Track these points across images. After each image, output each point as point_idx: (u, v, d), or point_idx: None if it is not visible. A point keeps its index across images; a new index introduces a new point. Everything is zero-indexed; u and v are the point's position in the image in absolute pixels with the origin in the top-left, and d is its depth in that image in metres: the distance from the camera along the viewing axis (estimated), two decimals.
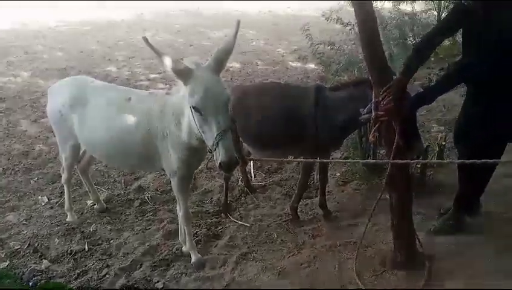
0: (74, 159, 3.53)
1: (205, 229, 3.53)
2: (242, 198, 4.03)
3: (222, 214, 3.75)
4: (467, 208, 3.06)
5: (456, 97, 4.64)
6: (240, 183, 4.17)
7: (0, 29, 10.41)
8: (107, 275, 3.07)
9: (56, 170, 4.44)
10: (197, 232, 3.47)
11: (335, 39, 5.02)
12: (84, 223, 3.69)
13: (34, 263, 3.21)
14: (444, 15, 6.60)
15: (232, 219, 3.68)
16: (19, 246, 3.38)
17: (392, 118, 2.46)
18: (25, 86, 6.97)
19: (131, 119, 2.89)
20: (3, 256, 3.28)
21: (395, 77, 2.55)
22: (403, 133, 2.48)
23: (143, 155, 2.96)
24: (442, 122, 4.95)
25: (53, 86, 3.47)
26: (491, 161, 2.30)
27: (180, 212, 3.09)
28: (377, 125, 2.53)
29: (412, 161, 2.83)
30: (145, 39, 2.24)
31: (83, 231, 3.56)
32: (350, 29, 4.62)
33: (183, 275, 3.04)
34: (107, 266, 3.16)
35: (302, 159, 3.51)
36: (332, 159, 4.08)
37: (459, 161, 2.88)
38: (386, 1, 6.79)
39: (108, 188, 4.25)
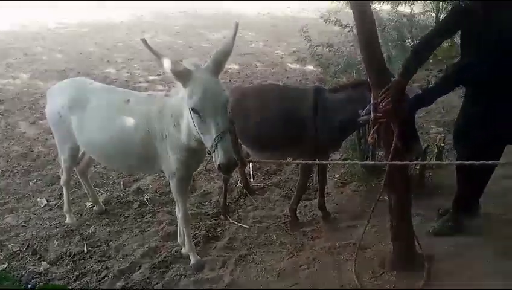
0: (73, 161, 3.53)
1: (204, 231, 3.52)
2: (241, 200, 4.03)
3: (221, 216, 3.75)
4: (465, 210, 3.06)
5: (454, 99, 4.64)
6: (238, 185, 4.17)
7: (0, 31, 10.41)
8: (106, 277, 3.07)
9: (55, 171, 4.44)
10: (196, 234, 3.47)
11: (333, 41, 5.04)
12: (83, 225, 3.69)
13: (33, 265, 3.21)
14: (442, 17, 6.63)
15: (231, 220, 3.68)
16: (18, 248, 3.38)
17: (390, 119, 2.46)
18: (24, 88, 6.96)
19: (130, 120, 2.89)
20: (2, 258, 3.28)
21: (393, 79, 2.56)
22: (401, 135, 2.48)
23: (142, 156, 2.96)
24: (441, 124, 4.96)
25: (52, 88, 3.46)
26: (489, 162, 2.30)
27: (179, 214, 3.09)
28: (375, 126, 2.53)
29: (411, 163, 2.83)
30: (144, 41, 2.25)
31: (81, 233, 3.55)
32: (348, 31, 4.63)
33: (182, 277, 3.04)
34: (106, 268, 3.16)
35: (301, 161, 3.51)
36: (331, 160, 4.08)
37: (458, 162, 2.88)
38: (385, 0, 6.82)
39: (107, 189, 4.25)
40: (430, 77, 6.09)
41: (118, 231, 3.59)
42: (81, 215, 3.86)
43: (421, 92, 2.70)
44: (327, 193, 3.84)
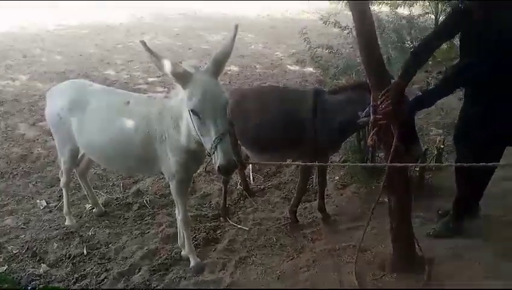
0: (73, 163, 3.53)
1: (204, 233, 3.52)
2: (241, 202, 4.03)
3: (221, 218, 3.74)
4: (465, 212, 3.06)
5: (454, 100, 4.64)
6: (238, 186, 4.17)
7: None
8: (105, 280, 3.06)
9: (55, 173, 4.43)
10: (196, 236, 3.46)
11: (333, 43, 5.04)
12: (82, 227, 3.68)
13: (33, 267, 3.20)
14: (441, 18, 6.63)
15: (231, 222, 3.68)
16: (17, 250, 3.37)
17: (390, 121, 2.46)
18: (23, 90, 6.95)
19: (130, 122, 2.89)
20: (1, 260, 3.27)
21: (393, 81, 2.56)
22: (401, 137, 2.48)
23: (142, 158, 2.95)
24: (441, 126, 4.96)
25: (52, 90, 3.46)
26: (489, 164, 2.30)
27: (178, 216, 3.08)
28: (375, 128, 2.53)
29: (411, 164, 2.83)
30: (143, 43, 2.25)
31: (81, 235, 3.55)
32: (348, 33, 4.63)
33: (182, 279, 3.04)
34: (106, 270, 3.16)
35: (300, 163, 3.51)
36: (331, 162, 4.08)
37: (458, 164, 2.89)
38: (384, 0, 6.82)
39: (106, 191, 4.24)
40: (430, 78, 6.09)
41: (118, 233, 3.59)
42: (80, 217, 3.85)
43: (420, 93, 2.71)
44: (327, 195, 3.84)
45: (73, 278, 3.08)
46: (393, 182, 2.61)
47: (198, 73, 2.30)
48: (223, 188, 3.80)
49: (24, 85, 7.19)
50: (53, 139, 3.60)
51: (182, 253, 3.24)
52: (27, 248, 3.38)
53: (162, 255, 3.28)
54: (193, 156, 2.75)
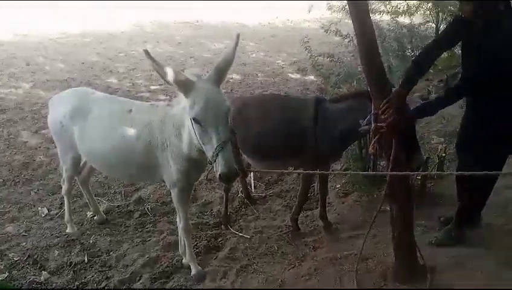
0: (75, 171, 3.54)
1: (205, 241, 3.52)
2: (242, 209, 4.02)
3: (222, 226, 3.74)
4: (467, 221, 3.05)
5: (455, 109, 4.65)
6: (240, 194, 4.17)
7: (2, 41, 10.47)
8: (106, 287, 3.06)
9: (56, 181, 4.44)
10: (197, 244, 3.46)
11: (334, 51, 5.07)
12: (84, 234, 3.68)
13: (33, 274, 3.19)
14: (442, 27, 6.66)
15: (232, 230, 3.67)
16: (18, 258, 3.37)
17: (391, 130, 2.46)
18: (26, 98, 6.99)
19: (132, 130, 2.90)
20: (2, 267, 3.27)
21: (394, 89, 2.57)
22: (402, 145, 2.49)
23: (143, 166, 2.96)
24: (442, 134, 4.96)
25: (54, 97, 3.49)
26: (491, 172, 2.30)
27: (180, 224, 3.08)
28: (376, 136, 2.54)
29: (412, 173, 2.83)
30: (146, 52, 2.27)
31: (82, 243, 3.54)
32: (349, 42, 4.66)
33: (183, 287, 3.03)
34: (107, 278, 3.15)
35: (302, 171, 3.51)
36: (332, 170, 4.08)
37: (459, 172, 2.88)
38: (386, 1, 6.84)
39: (108, 199, 4.25)
40: (431, 87, 6.10)
41: (119, 240, 3.59)
42: (82, 224, 3.86)
43: (421, 101, 2.71)
44: (328, 203, 3.83)
45: (74, 286, 3.08)
46: (395, 191, 2.61)
47: (200, 81, 2.31)
48: (224, 196, 3.80)
49: (27, 93, 7.23)
50: (55, 147, 3.62)
51: (183, 261, 3.23)
52: (28, 255, 3.38)
53: (163, 263, 3.27)
54: (194, 164, 2.75)
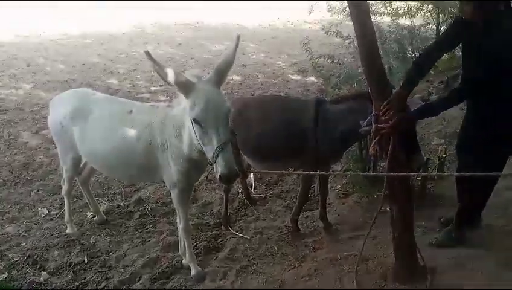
0: (75, 171, 3.54)
1: (205, 242, 3.52)
2: (242, 210, 4.03)
3: (222, 227, 3.74)
4: (468, 222, 3.05)
5: (456, 109, 4.66)
6: (240, 195, 4.17)
7: (3, 42, 10.49)
8: (106, 288, 3.06)
9: (56, 181, 4.44)
10: (197, 244, 3.46)
11: (334, 53, 5.07)
12: (83, 235, 3.68)
13: (33, 275, 3.19)
14: (442, 29, 6.67)
15: (232, 231, 3.67)
16: (18, 258, 3.37)
17: (392, 131, 2.46)
18: (27, 98, 6.99)
19: (132, 131, 2.90)
20: (2, 268, 3.26)
21: (394, 91, 2.57)
22: (403, 146, 2.49)
23: (144, 166, 2.96)
24: (443, 135, 4.96)
25: (55, 98, 3.49)
26: (491, 173, 2.30)
27: (180, 225, 3.09)
28: (377, 138, 2.54)
29: (412, 174, 2.83)
30: (147, 53, 2.27)
31: (82, 243, 3.54)
32: (349, 43, 4.67)
33: (183, 288, 3.03)
34: (107, 278, 3.15)
35: (302, 172, 3.51)
36: (332, 171, 4.08)
37: (459, 173, 2.88)
38: (387, 1, 6.85)
39: (108, 200, 4.25)
40: (431, 88, 6.11)
41: (119, 241, 3.59)
42: (82, 225, 3.86)
43: (422, 103, 2.72)
44: (329, 204, 3.83)
45: (73, 286, 3.08)
46: (395, 191, 2.61)
47: (200, 82, 2.32)
48: (224, 197, 3.80)
49: (27, 94, 7.24)
50: (55, 148, 3.62)
51: (183, 261, 3.23)
52: (28, 256, 3.38)
53: (163, 263, 3.27)
54: (195, 165, 2.76)
